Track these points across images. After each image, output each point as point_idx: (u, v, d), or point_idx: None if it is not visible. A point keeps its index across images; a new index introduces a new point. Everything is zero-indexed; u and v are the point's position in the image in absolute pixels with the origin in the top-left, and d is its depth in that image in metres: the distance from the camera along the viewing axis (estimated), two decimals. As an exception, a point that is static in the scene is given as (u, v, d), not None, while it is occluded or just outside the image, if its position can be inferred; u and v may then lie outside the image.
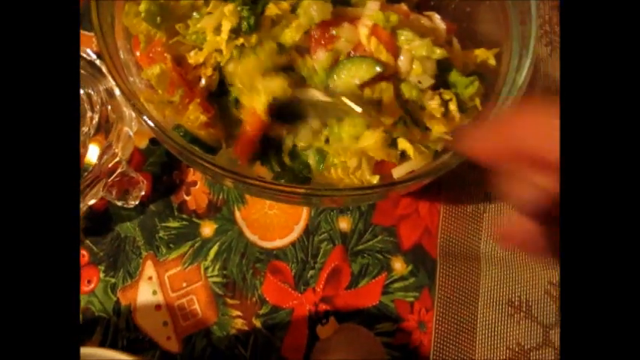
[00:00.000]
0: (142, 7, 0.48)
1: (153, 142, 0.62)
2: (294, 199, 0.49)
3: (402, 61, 0.51)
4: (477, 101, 0.52)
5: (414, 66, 0.51)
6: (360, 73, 0.48)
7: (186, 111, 0.49)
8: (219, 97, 0.52)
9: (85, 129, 0.56)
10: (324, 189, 0.47)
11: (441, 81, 0.52)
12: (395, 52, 0.50)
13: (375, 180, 0.50)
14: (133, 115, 0.58)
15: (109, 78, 0.58)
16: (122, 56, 0.52)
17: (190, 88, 0.50)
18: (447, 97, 0.52)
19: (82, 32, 0.66)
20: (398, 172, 0.50)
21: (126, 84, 0.48)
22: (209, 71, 0.50)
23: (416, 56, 0.50)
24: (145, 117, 0.47)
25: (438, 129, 0.51)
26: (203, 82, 0.50)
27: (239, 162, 0.52)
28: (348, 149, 0.50)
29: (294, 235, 0.59)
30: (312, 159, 0.51)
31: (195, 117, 0.49)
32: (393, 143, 0.51)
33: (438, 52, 0.50)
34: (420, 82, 0.51)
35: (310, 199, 0.50)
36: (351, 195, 0.47)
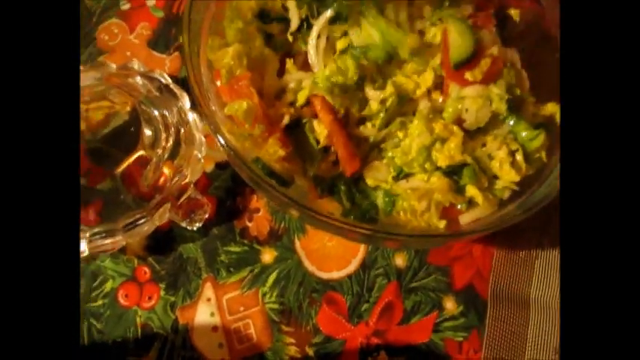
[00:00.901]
0: (232, 50, 0.51)
1: (219, 166, 0.64)
2: (360, 237, 0.51)
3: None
4: (543, 154, 0.54)
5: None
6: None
7: (265, 144, 0.51)
8: (294, 130, 0.54)
9: (159, 151, 0.58)
10: (392, 233, 0.48)
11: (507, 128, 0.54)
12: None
13: (442, 225, 0.51)
14: (203, 139, 0.60)
15: (184, 102, 0.61)
16: (205, 84, 0.54)
17: (271, 123, 0.52)
18: (513, 147, 0.53)
19: (155, 54, 0.69)
20: (465, 219, 0.52)
21: (211, 114, 0.51)
22: (291, 110, 0.52)
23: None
24: (226, 146, 0.49)
25: (506, 178, 0.52)
26: (286, 119, 0.52)
27: (310, 196, 0.54)
28: (418, 190, 0.52)
29: (351, 268, 0.61)
30: (380, 200, 0.53)
31: (273, 151, 0.51)
32: (460, 190, 0.52)
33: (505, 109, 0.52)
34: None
35: (376, 240, 0.51)
36: (418, 241, 0.48)
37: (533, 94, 0.56)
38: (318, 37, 0.53)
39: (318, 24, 0.52)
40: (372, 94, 0.52)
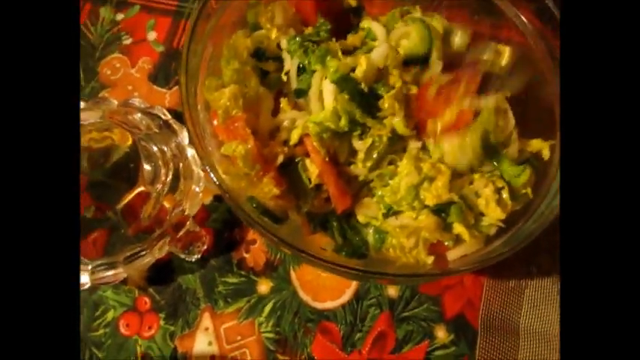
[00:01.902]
0: (228, 91, 0.53)
1: (217, 198, 0.66)
2: (349, 276, 0.52)
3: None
4: (529, 190, 0.55)
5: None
6: None
7: (260, 183, 0.53)
8: (288, 168, 0.56)
9: (158, 186, 0.60)
10: (381, 272, 0.50)
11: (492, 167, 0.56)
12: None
13: (430, 260, 0.53)
14: (202, 174, 0.62)
15: (183, 138, 0.63)
16: (201, 124, 0.56)
17: (266, 162, 0.54)
18: (499, 184, 0.55)
19: (156, 88, 0.71)
20: (452, 255, 0.54)
21: (207, 154, 0.53)
22: (285, 149, 0.54)
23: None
24: (222, 187, 0.51)
25: (492, 215, 0.54)
26: (280, 158, 0.54)
27: (303, 232, 0.55)
28: (406, 228, 0.54)
29: (344, 298, 0.63)
30: (371, 237, 0.54)
31: (268, 189, 0.53)
32: (447, 227, 0.54)
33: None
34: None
35: (365, 278, 0.53)
36: (407, 279, 0.50)
37: (522, 129, 0.58)
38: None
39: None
40: (357, 144, 0.54)
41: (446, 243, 0.54)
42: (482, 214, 0.55)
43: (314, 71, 0.54)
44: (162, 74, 0.72)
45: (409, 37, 0.56)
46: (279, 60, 0.59)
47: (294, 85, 0.57)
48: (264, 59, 0.59)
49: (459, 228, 0.53)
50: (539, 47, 0.60)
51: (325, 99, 0.53)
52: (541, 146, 0.56)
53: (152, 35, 0.73)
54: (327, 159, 0.54)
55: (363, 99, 0.52)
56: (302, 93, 0.55)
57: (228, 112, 0.55)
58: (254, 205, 0.53)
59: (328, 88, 0.53)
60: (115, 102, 0.64)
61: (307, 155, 0.55)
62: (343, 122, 0.52)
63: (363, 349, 0.61)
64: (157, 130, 0.63)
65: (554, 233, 0.66)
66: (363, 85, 0.52)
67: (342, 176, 0.55)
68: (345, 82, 0.52)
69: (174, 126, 0.64)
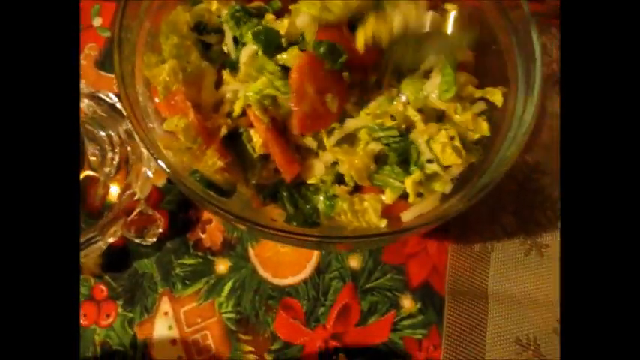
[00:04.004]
0: (167, 66, 0.51)
1: (170, 181, 0.64)
2: (305, 244, 0.51)
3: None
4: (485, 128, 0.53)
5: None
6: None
7: (203, 157, 0.52)
8: (233, 140, 0.55)
9: (106, 169, 0.59)
10: (335, 236, 0.49)
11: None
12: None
13: (383, 224, 0.51)
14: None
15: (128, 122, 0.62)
16: (142, 102, 0.55)
17: (209, 135, 0.52)
18: (452, 133, 0.53)
19: (104, 74, 0.70)
20: (406, 216, 0.52)
21: (145, 132, 0.51)
22: (228, 121, 0.52)
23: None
24: (162, 164, 0.49)
25: (448, 161, 0.52)
26: (224, 130, 0.52)
27: (253, 205, 0.54)
28: (357, 195, 0.52)
29: (305, 273, 0.61)
30: (322, 204, 0.53)
31: (212, 162, 0.51)
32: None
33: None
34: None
35: (321, 245, 0.52)
36: (360, 241, 0.48)
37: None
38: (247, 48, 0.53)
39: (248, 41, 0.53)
40: None
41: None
42: (434, 175, 0.53)
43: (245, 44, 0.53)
44: (110, 60, 0.70)
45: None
46: (221, 32, 0.58)
47: (233, 55, 0.55)
48: (206, 32, 0.58)
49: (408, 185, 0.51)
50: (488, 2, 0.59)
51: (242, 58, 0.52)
52: (493, 94, 0.55)
53: (98, 21, 0.72)
54: (271, 128, 0.52)
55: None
56: (234, 64, 0.54)
57: (168, 88, 0.53)
58: (197, 179, 0.52)
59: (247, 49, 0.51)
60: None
61: (252, 126, 0.54)
62: (279, 84, 0.50)
63: (327, 323, 0.60)
64: (103, 114, 0.62)
65: (518, 194, 0.66)
66: (282, 40, 0.51)
67: (289, 143, 0.54)
68: (260, 34, 0.50)
69: (122, 109, 0.62)
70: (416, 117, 0.52)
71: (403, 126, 0.53)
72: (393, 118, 0.53)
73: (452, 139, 0.52)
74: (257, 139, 0.53)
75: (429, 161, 0.53)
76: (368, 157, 0.52)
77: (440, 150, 0.52)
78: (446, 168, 0.52)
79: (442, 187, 0.53)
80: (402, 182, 0.52)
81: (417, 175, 0.51)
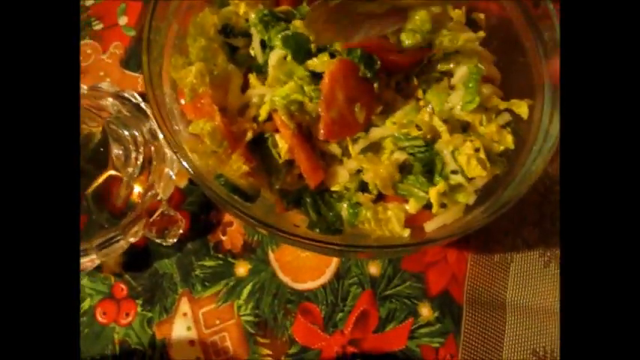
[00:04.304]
0: (194, 69, 0.51)
1: (192, 182, 0.64)
2: (327, 251, 0.51)
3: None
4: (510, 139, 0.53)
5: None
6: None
7: (229, 161, 0.52)
8: (258, 145, 0.55)
9: (130, 169, 0.59)
10: (358, 245, 0.49)
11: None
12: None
13: (406, 233, 0.51)
14: (174, 157, 0.61)
15: (154, 123, 0.62)
16: (168, 104, 0.55)
17: (234, 139, 0.52)
18: (477, 145, 0.53)
19: (128, 73, 0.70)
20: (430, 226, 0.52)
21: (171, 134, 0.51)
22: (254, 125, 0.53)
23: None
24: (188, 166, 0.49)
25: (473, 173, 0.51)
26: (249, 134, 0.52)
27: (276, 210, 0.54)
28: (381, 204, 0.52)
29: (325, 278, 0.61)
30: (345, 212, 0.53)
31: (237, 167, 0.52)
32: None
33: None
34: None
35: (343, 253, 0.52)
36: (383, 251, 0.48)
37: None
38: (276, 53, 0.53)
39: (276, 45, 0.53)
40: None
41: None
42: (458, 185, 0.53)
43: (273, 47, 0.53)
44: (134, 59, 0.70)
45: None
46: (248, 36, 0.58)
47: (260, 60, 0.55)
48: (233, 35, 0.58)
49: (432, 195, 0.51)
50: (516, 14, 0.58)
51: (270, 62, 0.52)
52: (519, 106, 0.55)
53: (123, 20, 0.72)
54: (297, 133, 0.52)
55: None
56: (261, 68, 0.54)
57: (194, 90, 0.54)
58: (222, 183, 0.52)
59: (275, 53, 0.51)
60: (85, 87, 0.63)
61: (277, 131, 0.54)
62: (308, 90, 0.50)
63: (345, 329, 0.60)
64: (127, 114, 0.62)
65: (540, 205, 0.65)
66: (312, 46, 0.51)
67: (315, 150, 0.54)
68: (290, 39, 0.50)
69: (146, 109, 0.63)
70: (441, 127, 0.52)
71: (428, 136, 0.53)
72: (418, 127, 0.52)
73: (477, 150, 0.52)
74: (283, 144, 0.53)
75: (454, 172, 0.52)
76: (392, 166, 0.52)
77: (465, 161, 0.52)
78: (470, 179, 0.52)
79: (466, 198, 0.53)
80: (426, 192, 0.52)
81: (441, 185, 0.51)
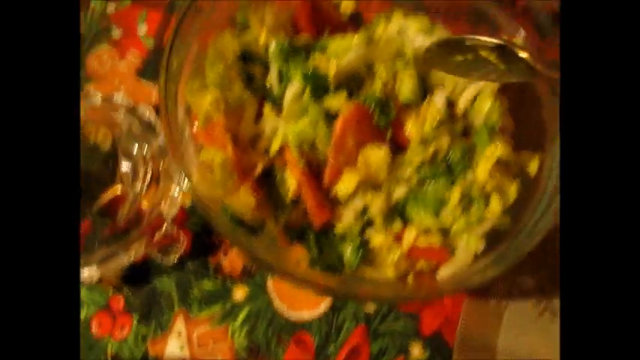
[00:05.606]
0: (210, 96, 0.51)
1: (197, 201, 0.64)
2: (324, 294, 0.51)
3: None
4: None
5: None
6: None
7: (236, 192, 0.52)
8: (266, 177, 0.55)
9: (137, 186, 0.59)
10: (352, 293, 0.49)
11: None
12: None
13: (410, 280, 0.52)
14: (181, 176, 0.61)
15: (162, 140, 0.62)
16: (180, 126, 0.55)
17: (243, 172, 0.53)
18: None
19: (143, 82, 0.70)
20: (442, 273, 0.53)
21: (181, 160, 0.51)
22: (265, 158, 0.53)
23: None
24: (196, 200, 0.50)
25: (492, 207, 0.52)
26: (259, 168, 0.52)
27: (279, 243, 0.54)
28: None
29: (321, 309, 0.62)
30: (348, 254, 0.53)
31: (245, 199, 0.52)
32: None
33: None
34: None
35: (339, 297, 0.52)
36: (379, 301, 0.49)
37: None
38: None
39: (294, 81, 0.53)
40: None
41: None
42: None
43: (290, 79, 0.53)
44: (151, 69, 0.70)
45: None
46: (266, 64, 0.58)
47: (276, 91, 0.55)
48: (251, 62, 0.58)
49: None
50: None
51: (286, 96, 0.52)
52: (530, 160, 0.55)
53: (143, 29, 0.72)
54: (306, 172, 0.53)
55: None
56: (276, 99, 0.54)
57: (209, 118, 0.54)
58: (228, 215, 0.52)
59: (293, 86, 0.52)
60: (99, 96, 0.63)
61: (287, 164, 0.54)
62: (320, 130, 0.50)
63: (336, 363, 0.61)
64: (139, 129, 0.62)
65: (537, 254, 0.66)
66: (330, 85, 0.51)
67: (322, 189, 0.54)
68: (310, 78, 0.51)
69: (158, 126, 0.63)
70: None
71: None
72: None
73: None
74: (292, 181, 0.53)
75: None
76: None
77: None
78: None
79: (475, 244, 0.53)
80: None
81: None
